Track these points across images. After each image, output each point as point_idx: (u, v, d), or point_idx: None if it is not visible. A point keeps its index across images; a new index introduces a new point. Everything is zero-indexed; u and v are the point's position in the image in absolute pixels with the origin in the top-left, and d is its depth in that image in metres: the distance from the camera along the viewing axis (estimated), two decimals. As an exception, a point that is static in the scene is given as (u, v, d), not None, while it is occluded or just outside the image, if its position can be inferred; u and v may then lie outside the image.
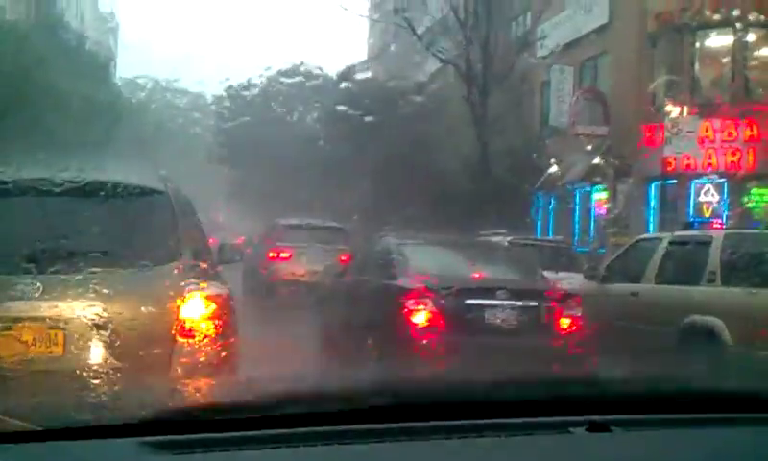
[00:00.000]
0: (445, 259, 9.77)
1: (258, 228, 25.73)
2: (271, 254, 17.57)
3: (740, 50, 20.27)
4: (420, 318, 8.21)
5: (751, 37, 20.47)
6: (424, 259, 9.39)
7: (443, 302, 8.24)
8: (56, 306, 4.40)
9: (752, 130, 19.72)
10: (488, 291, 8.55)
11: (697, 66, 21.18)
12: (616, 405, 1.99)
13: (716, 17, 19.93)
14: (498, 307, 8.42)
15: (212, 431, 1.75)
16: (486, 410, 1.91)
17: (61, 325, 4.41)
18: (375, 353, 8.32)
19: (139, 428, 1.73)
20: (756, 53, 20.67)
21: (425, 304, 8.24)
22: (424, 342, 8.02)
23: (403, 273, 8.96)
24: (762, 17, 19.69)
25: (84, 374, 4.32)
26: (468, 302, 8.38)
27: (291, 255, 17.22)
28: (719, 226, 13.45)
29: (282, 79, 43.67)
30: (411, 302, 8.30)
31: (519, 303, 8.52)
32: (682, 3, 20.67)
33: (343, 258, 14.90)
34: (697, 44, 21.03)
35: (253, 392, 2.07)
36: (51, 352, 4.42)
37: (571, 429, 1.86)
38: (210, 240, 7.13)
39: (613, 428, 1.87)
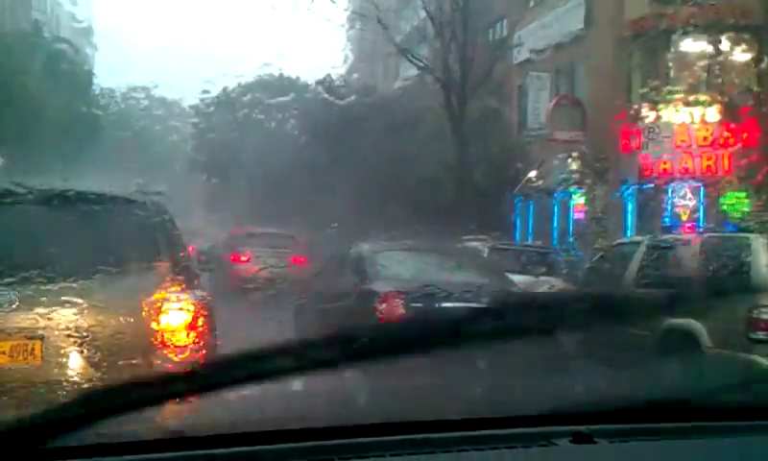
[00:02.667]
0: (417, 264, 9.88)
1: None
2: (233, 258, 19.84)
3: (715, 56, 20.45)
4: (392, 320, 8.29)
5: (725, 43, 20.67)
6: (396, 264, 9.52)
7: (413, 304, 8.29)
8: (33, 317, 4.35)
9: (727, 134, 19.90)
10: (457, 293, 8.60)
11: (672, 72, 21.34)
12: (600, 416, 1.97)
13: (691, 21, 20.09)
14: (467, 309, 8.46)
15: (191, 449, 1.72)
16: (468, 423, 1.88)
17: (39, 335, 4.36)
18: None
19: (115, 448, 1.69)
20: (730, 58, 20.87)
21: (397, 306, 8.32)
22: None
23: (376, 277, 9.04)
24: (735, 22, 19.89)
25: (62, 384, 4.27)
26: (438, 304, 8.43)
27: (249, 258, 19.61)
28: (690, 229, 13.56)
29: (260, 86, 43.54)
30: (383, 304, 8.36)
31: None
32: (657, 10, 20.82)
33: (294, 260, 18.68)
34: (672, 50, 21.20)
35: (227, 409, 2.02)
36: (28, 363, 4.37)
37: (555, 441, 1.83)
38: (189, 248, 7.10)
39: (597, 439, 1.85)
